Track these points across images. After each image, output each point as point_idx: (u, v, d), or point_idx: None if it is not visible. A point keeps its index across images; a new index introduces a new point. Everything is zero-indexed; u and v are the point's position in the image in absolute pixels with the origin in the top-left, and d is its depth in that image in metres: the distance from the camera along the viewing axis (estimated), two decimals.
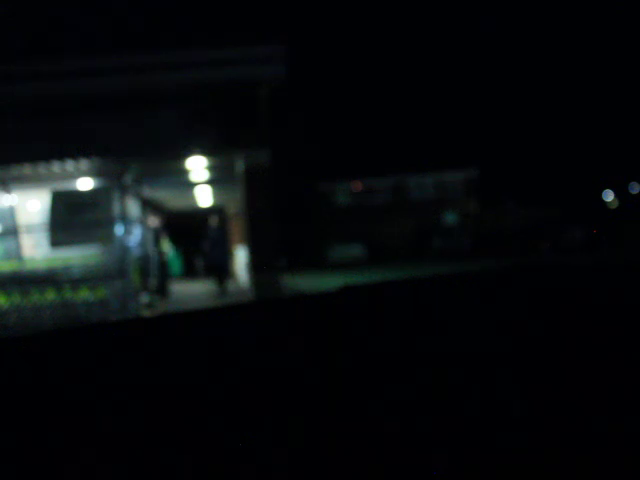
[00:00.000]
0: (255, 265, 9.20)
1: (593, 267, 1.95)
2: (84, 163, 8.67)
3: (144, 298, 10.36)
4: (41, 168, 8.65)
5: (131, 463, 0.83)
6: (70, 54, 9.13)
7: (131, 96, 8.36)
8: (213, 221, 12.00)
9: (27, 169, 8.62)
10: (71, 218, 8.09)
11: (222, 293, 11.53)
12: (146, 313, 8.90)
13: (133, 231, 9.50)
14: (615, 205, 34.26)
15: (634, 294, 1.43)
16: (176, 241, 16.86)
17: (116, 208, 8.32)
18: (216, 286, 11.79)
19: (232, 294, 11.68)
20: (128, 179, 8.93)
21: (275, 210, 9.34)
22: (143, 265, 10.32)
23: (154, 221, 10.93)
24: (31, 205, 9.41)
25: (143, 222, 10.27)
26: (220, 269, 11.89)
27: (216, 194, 13.61)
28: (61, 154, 8.43)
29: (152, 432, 0.90)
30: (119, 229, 8.30)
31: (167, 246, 13.82)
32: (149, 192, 11.30)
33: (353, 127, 36.28)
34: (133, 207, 9.61)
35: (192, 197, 13.70)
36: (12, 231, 8.90)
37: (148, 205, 11.99)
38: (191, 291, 13.24)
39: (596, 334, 1.17)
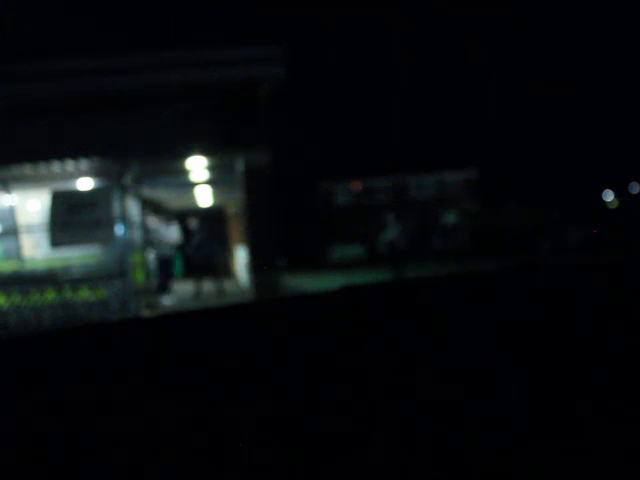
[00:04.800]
0: (255, 265, 9.19)
1: (592, 267, 1.95)
2: (84, 163, 8.67)
3: (167, 299, 10.33)
4: (41, 168, 8.65)
5: (130, 463, 0.83)
6: (70, 54, 9.14)
7: (131, 96, 8.36)
8: (193, 223, 11.71)
9: (27, 169, 8.62)
10: (71, 218, 8.09)
11: (199, 295, 11.31)
12: (146, 313, 8.90)
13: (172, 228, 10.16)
14: (615, 205, 34.25)
15: (633, 293, 1.44)
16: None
17: (116, 208, 8.32)
18: (194, 288, 11.54)
19: (232, 294, 11.67)
20: (128, 179, 8.93)
21: (275, 210, 9.34)
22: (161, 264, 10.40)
23: (154, 221, 10.91)
24: (31, 205, 9.41)
25: (143, 222, 10.27)
26: (205, 270, 11.65)
27: (216, 194, 13.60)
28: (61, 154, 8.43)
29: (151, 432, 0.90)
30: (119, 229, 8.30)
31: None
32: (149, 192, 11.29)
33: (353, 127, 36.29)
34: (133, 207, 9.61)
35: (192, 197, 13.70)
36: (12, 231, 8.90)
37: (148, 205, 11.98)
38: (191, 291, 13.20)
39: (595, 333, 1.17)
